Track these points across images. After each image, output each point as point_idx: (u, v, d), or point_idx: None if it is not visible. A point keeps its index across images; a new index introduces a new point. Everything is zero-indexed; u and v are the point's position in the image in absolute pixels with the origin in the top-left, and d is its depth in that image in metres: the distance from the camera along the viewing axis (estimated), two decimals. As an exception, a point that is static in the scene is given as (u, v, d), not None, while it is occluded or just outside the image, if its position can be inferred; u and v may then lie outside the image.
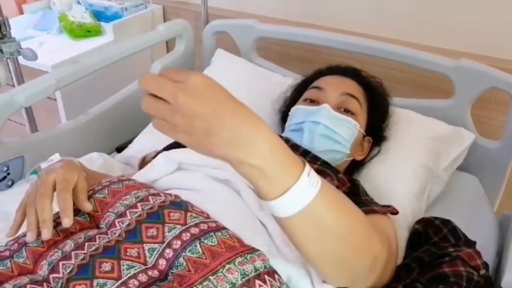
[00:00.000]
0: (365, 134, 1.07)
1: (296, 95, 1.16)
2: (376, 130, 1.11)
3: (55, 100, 1.74)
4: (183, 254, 0.64)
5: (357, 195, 0.93)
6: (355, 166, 1.11)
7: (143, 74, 0.56)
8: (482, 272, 0.78)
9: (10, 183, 1.14)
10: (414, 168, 1.10)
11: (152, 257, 0.65)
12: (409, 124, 1.19)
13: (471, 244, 0.87)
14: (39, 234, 0.69)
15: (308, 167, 0.58)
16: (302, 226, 0.60)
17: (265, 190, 0.57)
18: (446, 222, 0.93)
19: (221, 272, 0.61)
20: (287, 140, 1.02)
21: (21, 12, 2.09)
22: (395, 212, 0.87)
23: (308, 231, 0.60)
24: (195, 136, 0.54)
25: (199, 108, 0.53)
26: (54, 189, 0.73)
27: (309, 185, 0.57)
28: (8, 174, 1.13)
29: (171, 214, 0.70)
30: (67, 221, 0.69)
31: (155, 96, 0.55)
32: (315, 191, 0.58)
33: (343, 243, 0.62)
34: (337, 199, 0.63)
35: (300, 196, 0.57)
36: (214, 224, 0.69)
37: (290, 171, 0.57)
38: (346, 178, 0.98)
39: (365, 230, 0.66)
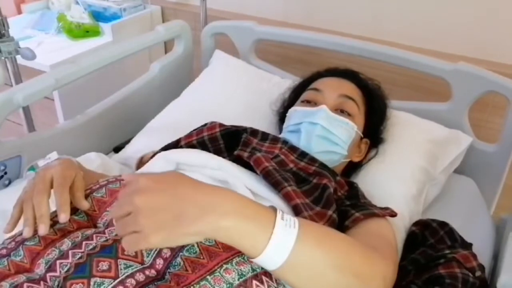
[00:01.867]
0: (362, 136, 1.07)
1: (294, 97, 1.16)
2: (373, 132, 1.12)
3: (53, 100, 1.74)
4: (181, 253, 0.64)
5: (356, 198, 0.93)
6: (353, 167, 1.11)
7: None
8: (478, 273, 0.79)
9: (7, 182, 1.13)
10: (411, 170, 1.11)
11: (150, 256, 0.65)
12: (407, 126, 1.20)
13: (468, 246, 0.87)
14: (36, 230, 0.69)
15: (279, 210, 0.60)
16: (298, 267, 0.60)
17: (250, 245, 0.57)
18: (443, 224, 0.93)
19: (219, 272, 0.61)
20: (285, 142, 1.02)
21: (19, 11, 2.09)
22: (393, 214, 0.88)
23: (305, 270, 0.60)
24: (166, 228, 0.54)
25: (157, 201, 0.55)
26: (52, 186, 0.74)
27: (286, 226, 0.58)
28: (5, 173, 1.13)
29: (169, 213, 0.70)
30: (63, 217, 0.69)
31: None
32: (295, 230, 0.59)
33: (342, 273, 0.62)
34: (320, 230, 0.65)
35: (284, 237, 0.58)
36: (212, 224, 0.69)
37: (265, 218, 0.58)
38: (344, 181, 0.98)
39: (362, 253, 0.67)
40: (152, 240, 0.54)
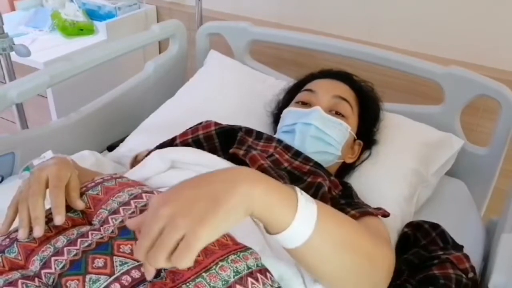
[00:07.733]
0: (356, 137, 1.08)
1: (288, 98, 1.17)
2: (367, 134, 1.12)
3: (46, 97, 1.73)
4: (176, 251, 0.64)
5: (350, 197, 0.94)
6: (346, 169, 1.12)
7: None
8: (471, 275, 0.79)
9: (0, 179, 1.13)
10: (404, 172, 1.12)
11: (145, 254, 0.65)
12: (399, 129, 1.21)
13: (459, 248, 0.88)
14: (31, 231, 0.68)
15: (295, 187, 0.59)
16: (320, 244, 0.59)
17: (278, 217, 0.55)
18: (435, 226, 0.94)
19: (214, 269, 0.61)
20: (279, 141, 1.02)
21: (13, 8, 2.07)
22: (386, 214, 0.88)
23: (325, 248, 0.60)
24: (208, 213, 0.49)
25: (184, 199, 0.51)
26: (47, 186, 0.73)
27: (307, 201, 0.58)
28: (-2, 170, 1.12)
29: (164, 211, 0.70)
30: (59, 219, 0.69)
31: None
32: (315, 206, 0.58)
33: (356, 253, 0.64)
34: (332, 209, 0.65)
35: (308, 210, 0.57)
36: (207, 222, 0.69)
37: (285, 189, 0.58)
38: (338, 181, 0.99)
39: (370, 235, 0.68)
40: (202, 233, 0.48)
